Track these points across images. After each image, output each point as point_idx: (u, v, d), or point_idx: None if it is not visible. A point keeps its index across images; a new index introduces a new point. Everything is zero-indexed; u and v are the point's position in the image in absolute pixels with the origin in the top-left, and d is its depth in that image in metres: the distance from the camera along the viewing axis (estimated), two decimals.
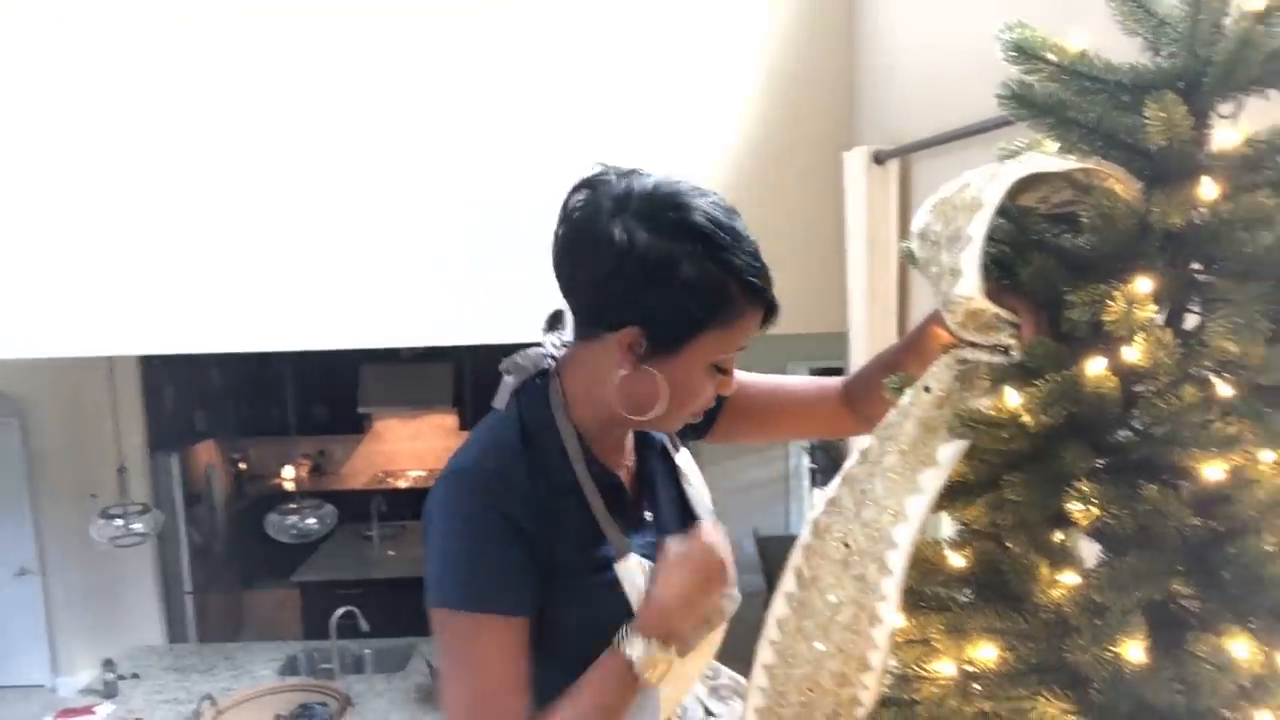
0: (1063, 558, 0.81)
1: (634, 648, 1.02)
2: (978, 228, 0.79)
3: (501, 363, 1.14)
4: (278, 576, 6.53)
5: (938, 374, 0.88)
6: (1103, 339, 0.77)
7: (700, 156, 2.91)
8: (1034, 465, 0.78)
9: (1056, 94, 0.82)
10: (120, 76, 2.86)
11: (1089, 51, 0.83)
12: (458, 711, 1.05)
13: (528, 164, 2.87)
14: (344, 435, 7.94)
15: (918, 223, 0.87)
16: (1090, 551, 0.83)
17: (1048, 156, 0.84)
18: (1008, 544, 0.82)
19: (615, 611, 1.07)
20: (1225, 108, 0.80)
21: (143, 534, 4.46)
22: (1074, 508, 0.75)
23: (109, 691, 3.86)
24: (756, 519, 6.25)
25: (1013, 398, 0.80)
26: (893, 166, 2.49)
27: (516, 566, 1.03)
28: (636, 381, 1.05)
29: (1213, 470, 0.73)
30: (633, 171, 1.06)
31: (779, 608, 0.94)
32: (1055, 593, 0.79)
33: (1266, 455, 0.73)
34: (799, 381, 1.37)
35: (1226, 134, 0.78)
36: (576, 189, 1.07)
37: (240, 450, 7.49)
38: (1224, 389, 0.76)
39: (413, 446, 8.11)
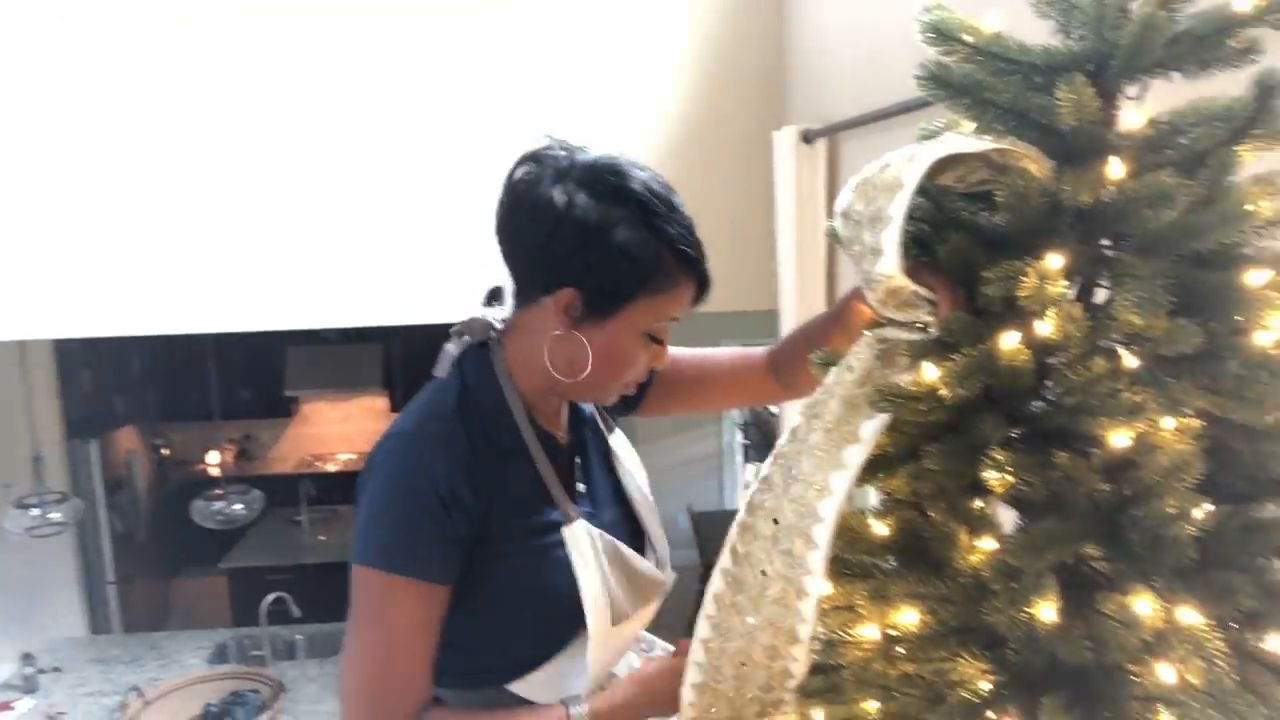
0: (981, 524, 0.83)
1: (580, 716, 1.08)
2: (897, 208, 0.81)
3: (453, 326, 1.14)
4: (205, 564, 6.38)
5: (859, 353, 0.90)
6: (1017, 314, 0.79)
7: (631, 135, 2.91)
8: (952, 436, 0.80)
9: (972, 75, 0.84)
10: (105, 74, 2.76)
11: (1004, 34, 0.84)
12: (354, 667, 1.05)
13: (457, 143, 2.84)
14: (270, 419, 7.75)
15: (841, 202, 0.89)
16: (1008, 518, 0.86)
17: (964, 137, 0.86)
18: (929, 512, 0.85)
19: (556, 574, 1.09)
20: (1131, 89, 0.82)
21: (61, 523, 4.30)
22: (990, 476, 0.78)
23: (29, 686, 3.74)
24: (691, 495, 6.33)
25: (931, 371, 0.82)
26: (821, 146, 2.52)
27: (442, 535, 1.04)
28: (568, 343, 1.06)
29: (1120, 438, 0.76)
30: (577, 147, 1.08)
31: (715, 584, 0.95)
32: (974, 558, 0.82)
33: (1168, 422, 0.76)
34: (725, 352, 1.40)
35: (1132, 115, 0.81)
36: (521, 161, 1.09)
37: (163, 436, 7.27)
38: (1130, 360, 0.79)
39: (342, 429, 7.97)
